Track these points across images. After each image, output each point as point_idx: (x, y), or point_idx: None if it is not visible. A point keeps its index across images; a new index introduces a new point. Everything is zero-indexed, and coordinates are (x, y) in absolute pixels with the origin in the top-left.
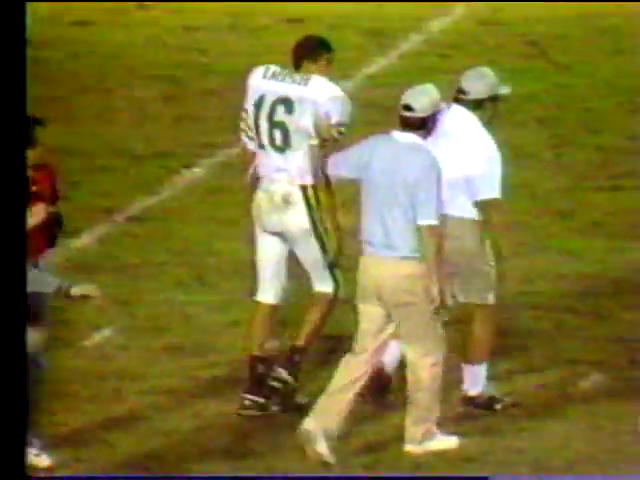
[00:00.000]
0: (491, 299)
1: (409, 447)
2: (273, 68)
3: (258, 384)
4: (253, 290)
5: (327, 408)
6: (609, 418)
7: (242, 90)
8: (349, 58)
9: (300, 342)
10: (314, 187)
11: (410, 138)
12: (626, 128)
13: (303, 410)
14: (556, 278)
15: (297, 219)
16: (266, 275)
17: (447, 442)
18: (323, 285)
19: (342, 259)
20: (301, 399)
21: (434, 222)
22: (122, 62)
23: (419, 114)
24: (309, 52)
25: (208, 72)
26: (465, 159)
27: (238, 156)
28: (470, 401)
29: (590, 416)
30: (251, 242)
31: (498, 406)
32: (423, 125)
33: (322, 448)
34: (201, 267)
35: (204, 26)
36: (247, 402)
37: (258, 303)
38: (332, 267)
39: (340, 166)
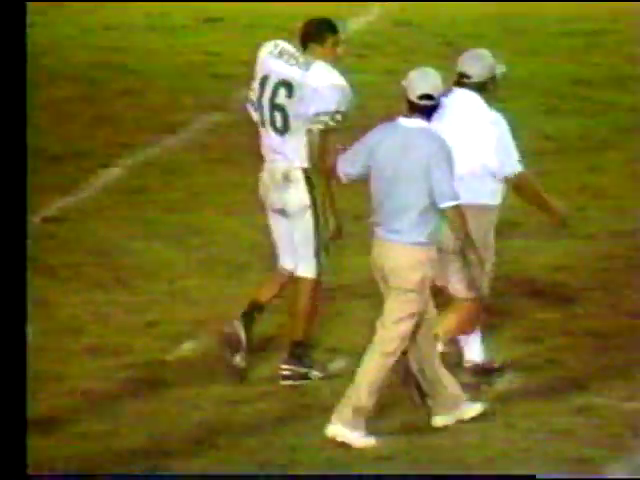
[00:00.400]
0: (472, 293)
1: (332, 425)
2: (281, 45)
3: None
4: (172, 291)
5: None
6: (524, 417)
7: (160, 90)
8: None
9: (298, 336)
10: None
11: (417, 123)
12: (541, 129)
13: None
14: None
15: (297, 196)
16: (283, 250)
17: (364, 441)
18: (306, 270)
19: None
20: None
21: (455, 202)
22: (39, 62)
23: (437, 101)
24: (314, 35)
25: (126, 72)
26: (481, 143)
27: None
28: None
29: (506, 415)
30: (168, 241)
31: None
32: (434, 110)
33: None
34: (119, 268)
35: (122, 26)
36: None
37: (275, 270)
38: (319, 251)
39: (349, 168)
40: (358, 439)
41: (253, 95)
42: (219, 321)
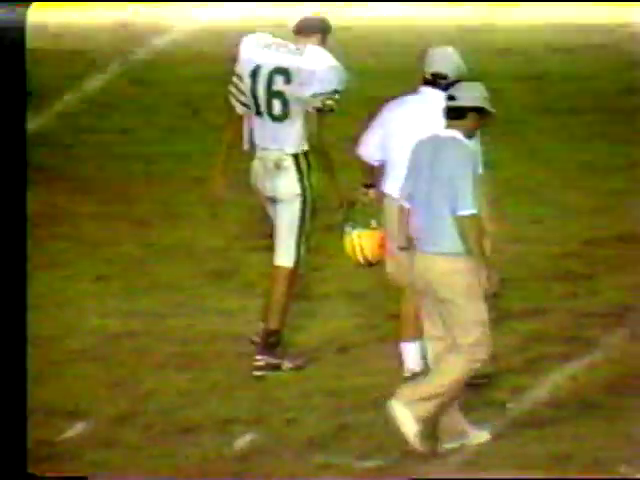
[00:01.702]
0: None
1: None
2: (265, 38)
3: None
4: None
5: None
6: (266, 477)
7: None
8: None
9: (273, 325)
10: (306, 154)
11: (451, 133)
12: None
13: None
14: (212, 339)
15: (288, 184)
16: (280, 240)
17: (480, 436)
18: (284, 259)
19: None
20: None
21: (473, 211)
22: None
23: (460, 103)
24: (303, 29)
25: None
26: None
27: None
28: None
29: (245, 475)
30: None
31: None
32: (463, 115)
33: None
34: None
35: None
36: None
37: (276, 267)
38: (301, 241)
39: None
40: (475, 437)
41: (235, 89)
42: None
